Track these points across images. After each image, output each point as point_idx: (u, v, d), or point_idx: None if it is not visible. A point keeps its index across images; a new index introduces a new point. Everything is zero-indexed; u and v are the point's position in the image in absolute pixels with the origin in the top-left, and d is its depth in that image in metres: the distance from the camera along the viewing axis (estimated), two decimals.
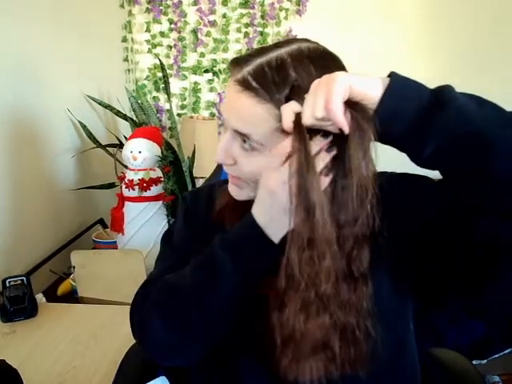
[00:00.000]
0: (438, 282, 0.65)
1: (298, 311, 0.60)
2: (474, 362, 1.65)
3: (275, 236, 0.62)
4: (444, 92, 0.53)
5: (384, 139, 0.55)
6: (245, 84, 0.62)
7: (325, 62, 0.63)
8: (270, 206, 0.60)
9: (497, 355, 1.70)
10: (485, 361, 1.70)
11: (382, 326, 0.64)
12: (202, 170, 2.16)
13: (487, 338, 1.69)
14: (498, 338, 1.69)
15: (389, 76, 0.55)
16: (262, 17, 2.52)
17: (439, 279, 0.64)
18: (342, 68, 0.65)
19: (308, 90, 0.57)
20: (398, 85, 0.54)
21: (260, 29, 2.54)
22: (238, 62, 0.64)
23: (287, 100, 0.59)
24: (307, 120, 0.55)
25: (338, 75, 0.54)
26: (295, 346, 0.62)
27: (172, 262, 0.77)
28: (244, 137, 0.64)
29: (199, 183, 2.15)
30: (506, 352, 1.70)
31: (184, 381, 0.87)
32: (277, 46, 0.64)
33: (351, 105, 0.54)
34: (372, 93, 0.53)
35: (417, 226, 0.63)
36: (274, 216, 0.61)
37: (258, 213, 0.62)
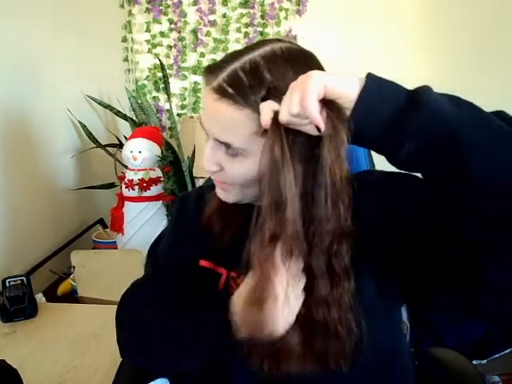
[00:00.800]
0: (420, 281, 0.65)
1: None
2: (474, 362, 1.65)
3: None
4: (420, 93, 0.52)
5: (360, 141, 0.55)
6: (221, 91, 0.61)
7: (299, 60, 0.62)
8: None
9: (497, 355, 1.70)
10: (485, 361, 1.70)
11: (367, 325, 0.64)
12: (202, 170, 2.16)
13: (487, 337, 1.69)
14: (498, 338, 1.69)
15: (366, 77, 0.54)
16: (262, 17, 2.52)
17: (420, 278, 0.64)
18: (317, 66, 0.64)
19: (284, 90, 0.57)
20: (374, 85, 0.53)
21: (260, 29, 2.54)
22: (212, 70, 0.64)
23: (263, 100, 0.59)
24: (283, 117, 0.55)
25: (313, 74, 0.53)
26: (267, 343, 0.62)
27: (150, 276, 0.83)
28: (226, 145, 0.64)
29: (199, 183, 2.15)
30: (506, 352, 1.70)
31: (184, 381, 0.87)
32: (250, 49, 0.63)
33: (327, 103, 0.53)
34: (348, 92, 0.53)
35: (401, 224, 0.63)
36: None
37: None
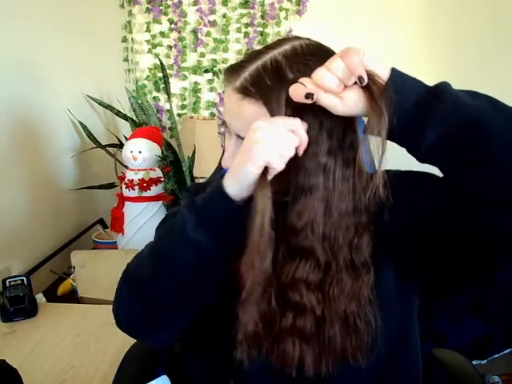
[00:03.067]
0: (443, 273, 0.66)
1: (288, 311, 0.62)
2: (474, 362, 1.65)
3: (237, 195, 0.60)
4: (440, 86, 0.55)
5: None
6: (244, 91, 0.62)
7: (319, 56, 0.63)
8: (239, 163, 0.59)
9: (497, 355, 1.70)
10: (485, 361, 1.70)
11: (383, 317, 0.64)
12: (203, 170, 2.16)
13: (487, 337, 1.69)
14: (499, 338, 1.69)
15: (390, 69, 0.57)
16: (262, 17, 2.52)
17: (441, 270, 0.65)
18: None
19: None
20: (398, 77, 0.56)
21: (260, 29, 2.54)
22: (233, 70, 0.64)
23: (288, 100, 0.59)
24: (328, 82, 0.56)
25: (351, 47, 0.56)
26: (278, 332, 0.63)
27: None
28: None
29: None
30: (506, 352, 1.70)
31: (185, 380, 0.87)
32: (270, 48, 0.64)
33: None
34: (381, 71, 0.56)
35: (422, 218, 0.64)
36: (240, 166, 0.59)
37: (228, 172, 0.61)
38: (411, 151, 0.57)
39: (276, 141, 0.56)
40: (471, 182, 0.55)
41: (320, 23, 2.49)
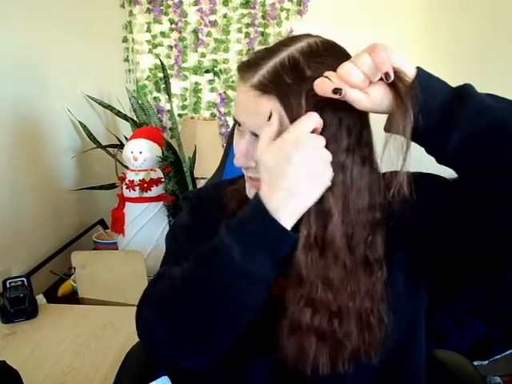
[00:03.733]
0: (454, 273, 0.66)
1: (303, 306, 0.62)
2: (476, 363, 1.65)
3: (288, 223, 0.58)
4: (465, 88, 0.56)
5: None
6: (262, 88, 0.61)
7: (334, 51, 0.64)
8: (281, 186, 0.58)
9: (498, 356, 1.70)
10: (486, 361, 1.70)
11: (394, 315, 0.65)
12: (203, 171, 2.15)
13: (488, 338, 1.68)
14: (500, 339, 1.69)
15: (416, 67, 0.57)
16: (263, 17, 2.52)
17: (455, 270, 0.65)
18: (349, 55, 0.65)
19: None
20: (424, 77, 0.56)
21: (261, 29, 2.54)
22: (249, 66, 0.63)
23: (307, 97, 0.59)
24: (354, 77, 0.55)
25: (378, 43, 0.57)
26: (300, 337, 0.63)
27: (178, 255, 0.74)
28: None
29: (200, 184, 2.14)
30: (507, 353, 1.70)
31: (186, 381, 0.87)
32: (284, 44, 0.63)
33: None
34: (408, 70, 0.56)
35: (434, 219, 0.64)
36: (282, 197, 0.58)
37: (267, 193, 0.59)
38: (432, 152, 0.57)
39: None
40: (492, 186, 0.55)
41: (321, 23, 2.47)
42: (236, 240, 0.59)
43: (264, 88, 0.61)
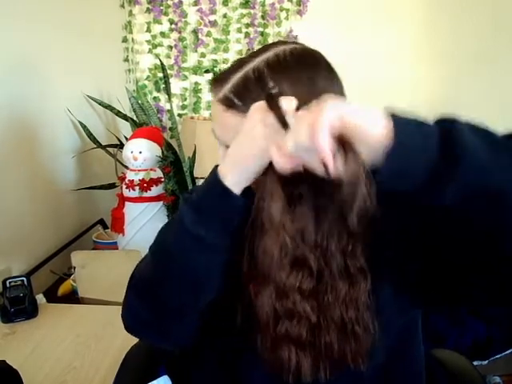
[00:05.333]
0: (447, 271, 0.62)
1: (270, 299, 0.61)
2: (475, 363, 1.65)
3: (234, 186, 0.59)
4: (453, 141, 0.46)
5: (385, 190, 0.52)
6: (227, 103, 0.62)
7: (303, 61, 0.62)
8: (240, 149, 0.59)
9: (498, 356, 1.70)
10: (486, 361, 1.70)
11: (379, 324, 0.63)
12: (203, 171, 2.15)
13: (488, 338, 1.68)
14: (500, 339, 1.69)
15: (392, 120, 0.47)
16: (263, 17, 2.52)
17: (449, 269, 0.62)
18: (324, 65, 0.64)
19: (288, 94, 0.56)
20: (402, 136, 0.46)
21: (261, 29, 2.54)
22: (218, 81, 0.64)
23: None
24: (290, 148, 0.49)
25: (328, 101, 0.48)
26: (280, 346, 0.62)
27: None
28: None
29: (200, 184, 2.14)
30: (507, 352, 1.70)
31: (186, 380, 0.87)
32: (253, 56, 0.63)
33: (343, 143, 0.47)
34: (370, 132, 0.46)
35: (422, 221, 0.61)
36: (238, 159, 0.59)
37: (223, 163, 0.61)
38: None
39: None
40: (483, 249, 0.51)
41: (321, 23, 2.49)
42: (189, 206, 0.61)
43: (229, 102, 0.62)
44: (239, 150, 0.58)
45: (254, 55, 0.64)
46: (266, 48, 0.64)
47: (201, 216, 0.60)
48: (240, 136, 0.58)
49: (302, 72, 0.60)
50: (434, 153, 0.46)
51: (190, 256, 0.62)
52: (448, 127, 0.47)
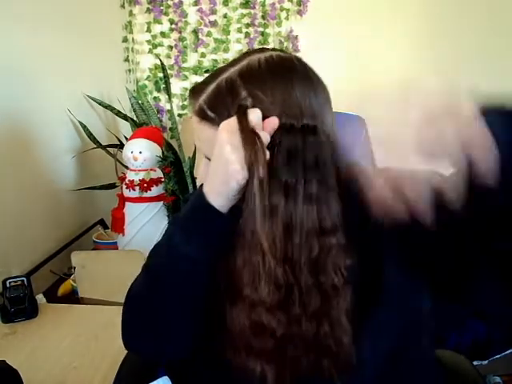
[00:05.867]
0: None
1: (240, 312, 0.61)
2: (475, 363, 1.65)
3: (220, 206, 0.60)
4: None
5: None
6: (202, 115, 0.62)
7: (278, 71, 0.61)
8: (218, 172, 0.59)
9: (498, 356, 1.69)
10: (486, 361, 1.70)
11: (372, 336, 0.63)
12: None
13: (488, 338, 1.68)
14: (500, 339, 1.69)
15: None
16: (263, 17, 2.52)
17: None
18: (301, 75, 0.62)
19: (260, 103, 0.57)
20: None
21: (261, 29, 2.54)
22: (193, 93, 0.64)
23: None
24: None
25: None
26: (237, 345, 0.63)
27: None
28: None
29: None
30: (507, 352, 1.70)
31: (186, 381, 0.87)
32: (229, 65, 0.63)
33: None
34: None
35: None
36: (218, 182, 0.59)
37: (206, 182, 0.61)
38: None
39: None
40: None
41: (321, 23, 2.49)
42: (176, 226, 0.64)
43: (203, 114, 0.62)
44: (216, 176, 0.59)
45: (229, 65, 0.63)
46: (241, 57, 0.64)
47: (189, 236, 0.62)
48: (214, 161, 0.59)
49: (277, 80, 0.59)
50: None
51: (179, 274, 0.63)
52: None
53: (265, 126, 0.57)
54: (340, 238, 0.60)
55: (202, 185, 0.62)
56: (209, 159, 0.64)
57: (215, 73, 0.64)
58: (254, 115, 0.57)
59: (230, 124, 0.57)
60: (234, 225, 0.60)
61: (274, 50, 0.64)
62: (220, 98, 0.60)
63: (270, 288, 0.59)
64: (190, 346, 0.70)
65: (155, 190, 1.75)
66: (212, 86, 0.62)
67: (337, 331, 0.61)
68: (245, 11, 2.52)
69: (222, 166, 0.57)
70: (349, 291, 0.61)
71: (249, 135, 0.55)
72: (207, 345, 0.70)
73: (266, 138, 0.57)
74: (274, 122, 0.58)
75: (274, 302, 0.60)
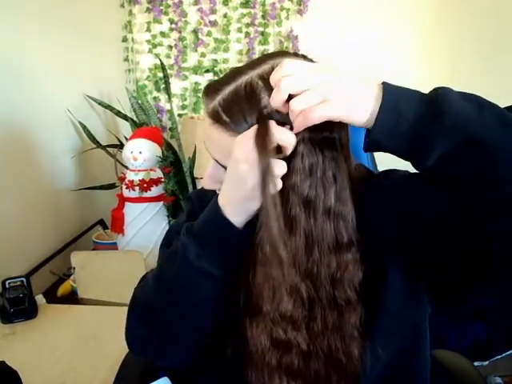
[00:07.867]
0: (452, 276, 0.61)
1: (262, 329, 0.61)
2: (476, 364, 1.65)
3: (237, 221, 0.59)
4: (439, 101, 0.50)
5: (379, 150, 0.54)
6: (215, 117, 0.59)
7: None
8: (234, 188, 0.58)
9: (499, 356, 1.69)
10: (487, 362, 1.69)
11: (383, 346, 0.63)
12: (203, 171, 2.15)
13: (489, 339, 1.68)
14: (500, 339, 1.68)
15: (382, 88, 0.51)
16: (263, 16, 2.52)
17: (452, 273, 0.60)
18: None
19: (282, 115, 0.55)
20: (391, 101, 0.50)
21: (261, 29, 2.54)
22: (209, 92, 0.61)
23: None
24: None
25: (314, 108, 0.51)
26: (258, 362, 0.62)
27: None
28: (224, 167, 0.61)
29: (200, 184, 2.14)
30: (508, 353, 1.70)
31: (186, 382, 0.87)
32: (249, 67, 0.59)
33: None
34: (356, 120, 0.51)
35: (424, 227, 0.59)
36: (235, 198, 0.58)
37: (221, 195, 0.60)
38: (414, 167, 0.54)
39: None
40: (479, 195, 0.51)
41: (321, 23, 2.49)
42: (191, 239, 0.61)
43: (216, 117, 0.59)
44: (233, 192, 0.58)
45: (250, 66, 0.59)
46: (264, 59, 0.60)
47: (204, 249, 0.60)
48: (230, 176, 0.58)
49: None
50: (420, 114, 0.50)
51: (192, 287, 0.62)
52: (436, 93, 0.51)
53: (283, 139, 0.55)
54: (355, 253, 0.60)
55: (217, 196, 0.61)
56: (217, 162, 0.63)
57: (233, 73, 0.60)
58: (277, 130, 0.54)
59: (248, 137, 0.54)
60: (250, 239, 0.59)
61: (296, 54, 0.62)
62: (237, 102, 0.57)
63: (295, 303, 0.59)
64: (198, 357, 0.70)
65: (155, 190, 1.75)
66: (229, 88, 0.58)
67: (349, 345, 0.61)
68: (245, 11, 2.52)
69: (240, 184, 0.56)
70: (360, 304, 0.61)
71: (266, 150, 0.52)
72: (218, 356, 0.69)
73: (285, 151, 0.55)
74: (292, 137, 0.55)
75: (299, 318, 0.60)
